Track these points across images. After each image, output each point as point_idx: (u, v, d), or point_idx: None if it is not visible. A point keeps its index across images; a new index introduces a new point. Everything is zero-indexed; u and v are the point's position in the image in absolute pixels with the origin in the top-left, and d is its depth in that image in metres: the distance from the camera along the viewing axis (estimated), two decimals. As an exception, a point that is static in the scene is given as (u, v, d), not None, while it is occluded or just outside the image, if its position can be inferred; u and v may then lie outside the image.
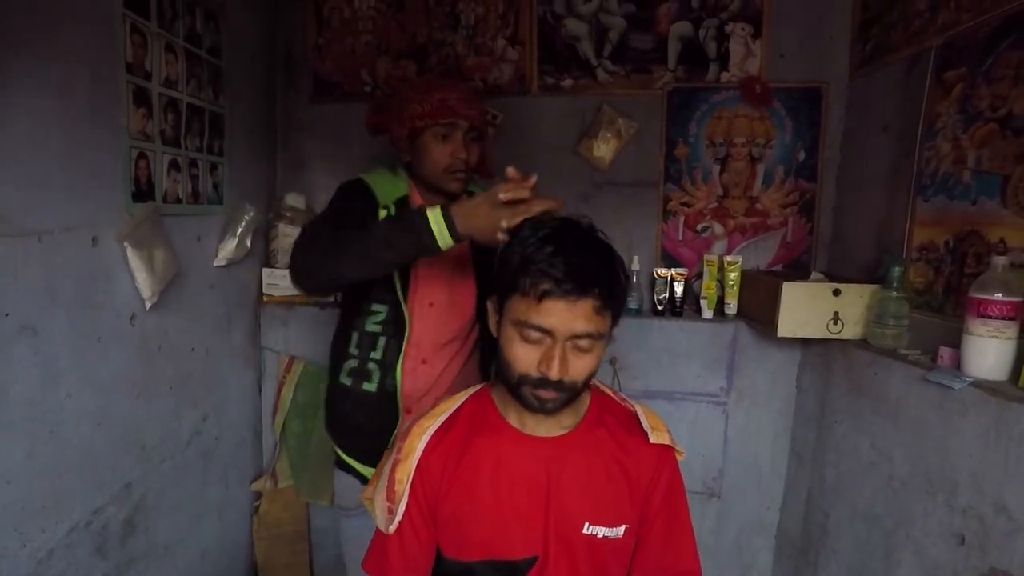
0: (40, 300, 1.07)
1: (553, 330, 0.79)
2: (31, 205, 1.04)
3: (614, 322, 0.85)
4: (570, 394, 0.85)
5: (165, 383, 1.46)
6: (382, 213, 1.29)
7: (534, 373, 0.82)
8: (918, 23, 1.47)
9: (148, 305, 1.33)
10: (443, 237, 1.01)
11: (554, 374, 0.80)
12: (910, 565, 1.26)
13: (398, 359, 1.33)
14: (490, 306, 0.92)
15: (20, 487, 1.05)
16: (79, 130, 1.14)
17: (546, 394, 0.83)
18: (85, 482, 1.20)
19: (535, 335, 0.81)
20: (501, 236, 0.93)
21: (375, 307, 1.33)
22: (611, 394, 1.00)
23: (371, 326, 1.34)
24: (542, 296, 0.78)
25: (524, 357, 0.82)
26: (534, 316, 0.79)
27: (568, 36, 1.90)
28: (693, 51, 1.87)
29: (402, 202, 1.32)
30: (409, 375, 1.35)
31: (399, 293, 1.31)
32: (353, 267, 1.13)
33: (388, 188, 1.34)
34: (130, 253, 1.26)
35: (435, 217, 1.01)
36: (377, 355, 1.34)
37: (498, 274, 0.88)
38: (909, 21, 1.50)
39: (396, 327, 1.32)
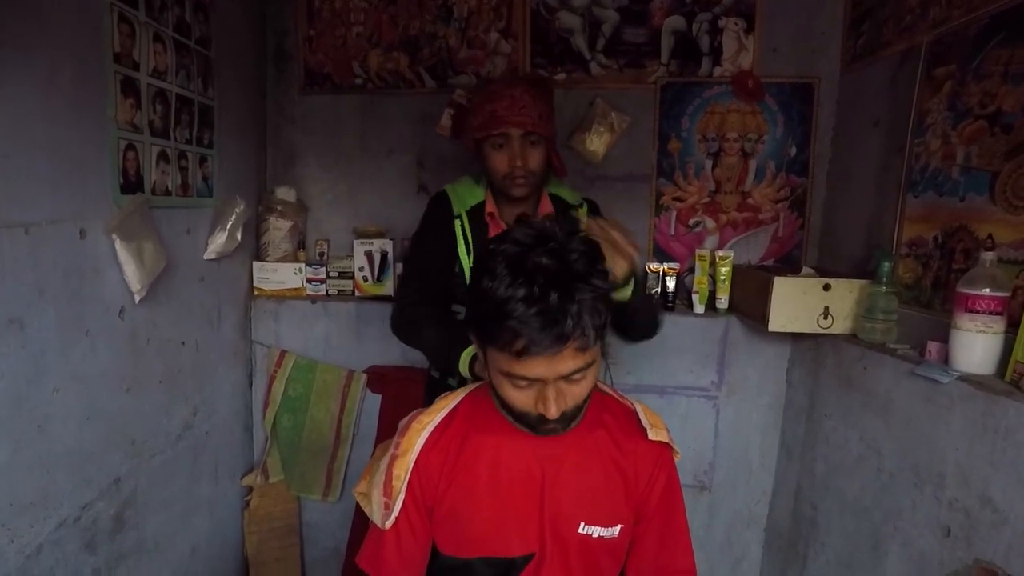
0: (27, 293, 1.05)
1: (541, 377, 0.77)
2: (17, 196, 1.02)
3: (603, 340, 0.82)
4: (574, 415, 0.85)
5: (155, 377, 1.44)
6: (457, 223, 1.35)
7: (532, 412, 0.82)
8: (909, 19, 1.47)
9: (137, 298, 1.31)
10: (464, 372, 1.16)
11: (552, 414, 0.79)
12: (897, 557, 1.28)
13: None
14: (474, 341, 0.89)
15: (7, 482, 1.03)
16: (66, 120, 1.12)
17: (550, 427, 0.83)
18: (73, 477, 1.19)
19: (524, 383, 0.79)
20: None
21: (455, 308, 1.39)
22: (610, 392, 1.00)
23: None
24: (520, 354, 0.74)
25: (519, 399, 0.81)
26: (518, 369, 0.76)
27: (561, 29, 1.90)
28: (686, 45, 1.87)
29: (475, 210, 1.37)
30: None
31: None
32: (426, 355, 1.38)
33: (466, 197, 1.39)
34: (118, 246, 1.24)
35: (464, 363, 1.16)
36: None
37: (471, 308, 0.84)
38: (900, 17, 1.51)
39: None
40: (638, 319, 1.25)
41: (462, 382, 1.38)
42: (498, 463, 0.89)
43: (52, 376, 1.12)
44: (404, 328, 1.35)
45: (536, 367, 0.75)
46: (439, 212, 1.39)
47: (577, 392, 0.81)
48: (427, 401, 1.45)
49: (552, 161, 1.37)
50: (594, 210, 1.44)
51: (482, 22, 1.92)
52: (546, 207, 1.38)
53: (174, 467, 1.55)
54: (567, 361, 0.75)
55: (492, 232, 1.36)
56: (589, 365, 0.79)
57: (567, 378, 0.78)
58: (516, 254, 0.76)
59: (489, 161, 1.31)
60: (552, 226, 0.79)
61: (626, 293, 1.08)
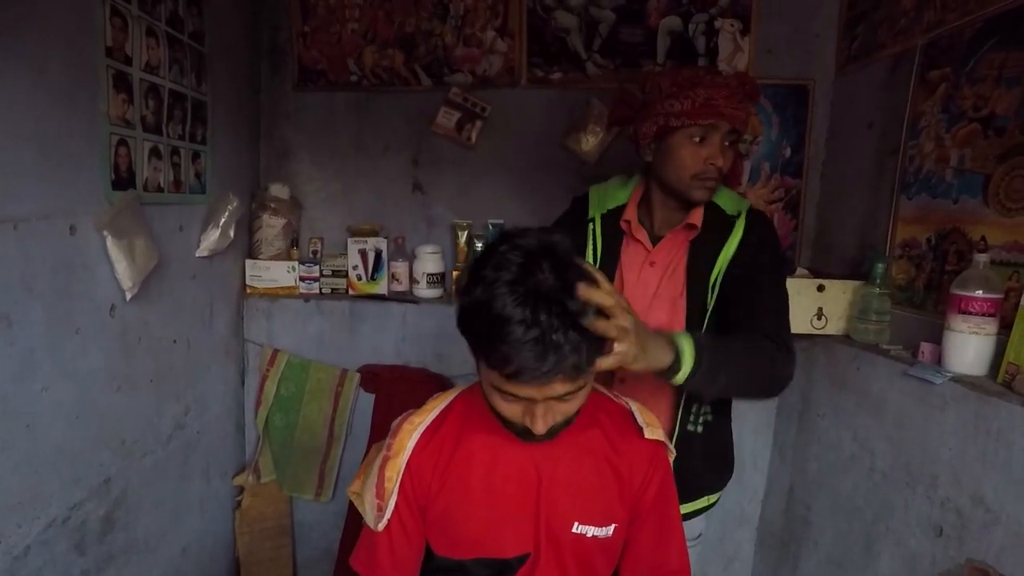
0: (16, 290, 1.04)
1: (530, 397, 0.76)
2: (6, 191, 1.01)
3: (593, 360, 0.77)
4: (562, 427, 0.83)
5: (146, 376, 1.43)
6: (589, 227, 1.23)
7: (519, 422, 0.81)
8: (904, 22, 1.48)
9: (128, 296, 1.30)
10: None
11: (539, 430, 0.78)
12: (889, 556, 1.28)
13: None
14: (468, 342, 0.84)
15: (-5, 482, 1.02)
16: (56, 115, 1.10)
17: (535, 439, 0.82)
18: (62, 477, 1.17)
19: (512, 399, 0.78)
20: None
21: None
22: (604, 391, 1.00)
23: None
24: (511, 376, 0.72)
25: (508, 410, 0.80)
26: (508, 387, 0.75)
27: (558, 28, 1.89)
28: (682, 46, 1.87)
29: (612, 214, 1.23)
30: None
31: None
32: None
33: (606, 199, 1.26)
34: (110, 242, 1.22)
35: None
36: None
37: (462, 318, 0.78)
38: (895, 20, 1.52)
39: None
40: (732, 387, 1.02)
41: None
42: (493, 464, 0.89)
43: (41, 374, 1.10)
44: None
45: (526, 389, 0.74)
46: (575, 213, 1.28)
47: (566, 409, 0.80)
48: None
49: (735, 168, 1.20)
50: (759, 222, 1.20)
51: (478, 20, 1.91)
52: (696, 216, 1.18)
53: (165, 467, 1.53)
54: (557, 386, 0.74)
55: (626, 244, 1.23)
56: (580, 388, 0.78)
57: (558, 398, 0.77)
58: (519, 264, 0.72)
59: (677, 155, 1.12)
60: (558, 239, 0.75)
61: (679, 377, 0.89)
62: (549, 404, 0.77)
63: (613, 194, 1.27)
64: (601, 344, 0.75)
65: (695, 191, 1.14)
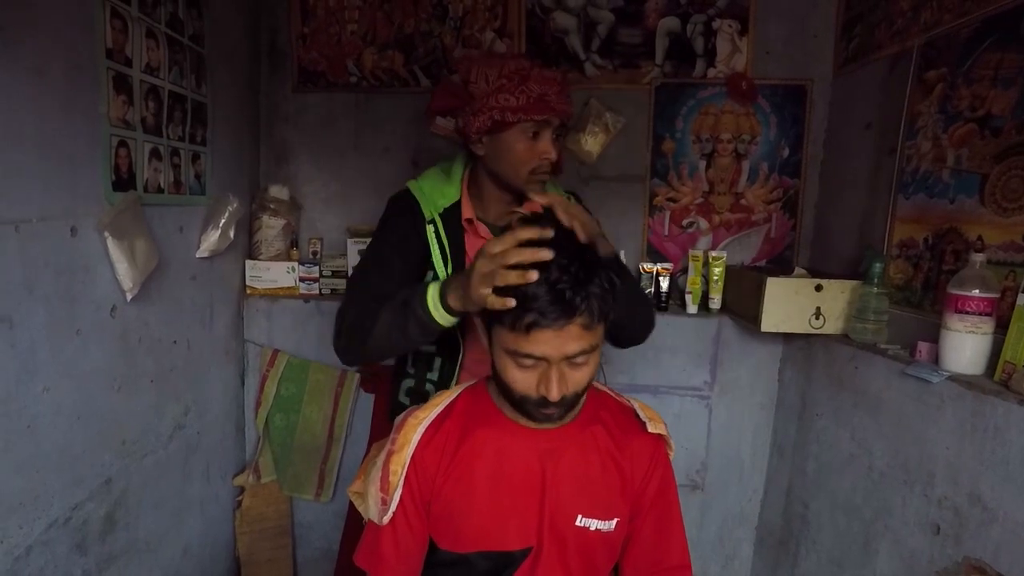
0: (17, 291, 1.04)
1: (546, 356, 0.79)
2: (6, 193, 1.01)
3: (607, 324, 0.84)
4: (573, 403, 0.86)
5: (146, 376, 1.43)
6: (430, 229, 1.19)
7: (534, 395, 0.82)
8: (901, 22, 1.49)
9: (129, 297, 1.30)
10: (444, 319, 0.99)
11: (554, 396, 0.80)
12: (887, 554, 1.29)
13: (452, 381, 1.23)
14: (478, 322, 0.89)
15: (-4, 483, 1.02)
16: (56, 116, 1.11)
17: (549, 411, 0.84)
18: (63, 478, 1.18)
19: (529, 362, 0.80)
20: (492, 301, 0.83)
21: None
22: (607, 391, 1.01)
23: (426, 346, 1.22)
24: (528, 328, 0.77)
25: (522, 381, 0.82)
26: (524, 346, 0.79)
27: (556, 29, 1.90)
28: (680, 47, 1.88)
29: (449, 211, 1.21)
30: None
31: None
32: (386, 353, 1.15)
33: (436, 197, 1.23)
34: (110, 243, 1.23)
35: (433, 301, 0.98)
36: (433, 376, 1.26)
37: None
38: (892, 20, 1.52)
39: (451, 347, 1.22)
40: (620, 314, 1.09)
41: (446, 350, 1.21)
42: (497, 458, 0.90)
43: (42, 375, 1.11)
44: (353, 330, 1.13)
45: (543, 344, 0.78)
46: (406, 217, 1.22)
47: (578, 378, 0.82)
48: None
49: (559, 161, 1.23)
50: (578, 203, 1.29)
51: (477, 21, 1.92)
52: (536, 205, 1.22)
53: (166, 467, 1.54)
54: (572, 341, 0.78)
55: (470, 243, 1.20)
56: (593, 348, 0.81)
57: (570, 361, 0.80)
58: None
59: (512, 151, 1.13)
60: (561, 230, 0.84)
61: None
62: (562, 369, 0.80)
63: (441, 190, 1.24)
64: (609, 301, 0.81)
65: (530, 185, 1.16)
